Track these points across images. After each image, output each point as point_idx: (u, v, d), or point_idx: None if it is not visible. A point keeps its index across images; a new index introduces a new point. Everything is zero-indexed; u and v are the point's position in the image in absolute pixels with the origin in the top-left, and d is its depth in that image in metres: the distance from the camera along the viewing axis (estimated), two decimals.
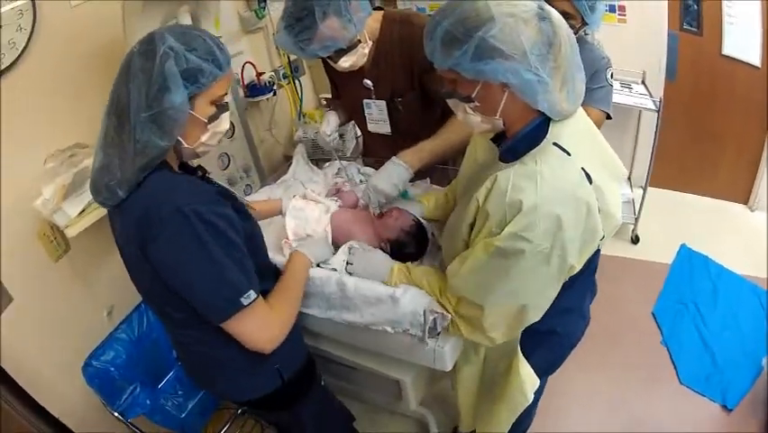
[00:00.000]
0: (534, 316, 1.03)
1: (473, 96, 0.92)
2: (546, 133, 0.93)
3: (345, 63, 1.39)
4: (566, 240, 0.90)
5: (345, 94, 1.70)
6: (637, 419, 1.96)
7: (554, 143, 0.92)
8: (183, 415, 1.64)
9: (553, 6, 0.92)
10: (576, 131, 0.96)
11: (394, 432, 1.96)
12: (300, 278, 1.20)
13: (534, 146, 0.93)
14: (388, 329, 1.20)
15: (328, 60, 1.43)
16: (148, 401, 1.57)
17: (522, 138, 0.95)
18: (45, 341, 1.52)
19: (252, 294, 0.98)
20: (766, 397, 1.98)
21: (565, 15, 0.97)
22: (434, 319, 1.14)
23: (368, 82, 1.51)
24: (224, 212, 0.97)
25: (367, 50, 1.41)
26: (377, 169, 1.57)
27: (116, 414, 1.53)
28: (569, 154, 0.92)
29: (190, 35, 0.94)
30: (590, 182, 0.92)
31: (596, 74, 1.75)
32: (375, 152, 1.75)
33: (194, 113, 0.96)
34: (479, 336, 1.09)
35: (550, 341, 1.20)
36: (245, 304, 0.96)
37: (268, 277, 1.13)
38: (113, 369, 1.54)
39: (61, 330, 1.56)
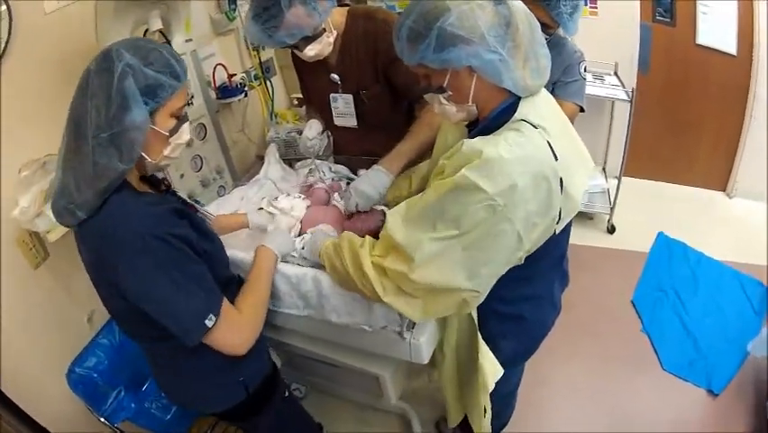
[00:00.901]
0: (465, 280, 0.96)
1: (445, 85, 0.97)
2: (515, 112, 0.97)
3: (311, 51, 1.42)
4: (518, 203, 0.90)
5: (313, 90, 1.73)
6: (622, 407, 1.98)
7: (523, 120, 0.95)
8: (168, 417, 1.65)
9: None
10: (545, 116, 0.99)
11: (378, 429, 1.97)
12: (267, 273, 1.20)
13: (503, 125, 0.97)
14: (366, 328, 1.22)
15: (294, 51, 1.47)
16: (133, 405, 1.58)
17: (492, 119, 0.99)
18: (27, 348, 1.52)
19: (213, 316, 0.98)
20: (753, 380, 2.00)
21: (543, 26, 1.00)
22: None
23: (335, 76, 1.54)
24: (180, 232, 0.97)
25: (332, 40, 1.45)
26: (348, 166, 1.60)
27: (102, 419, 1.53)
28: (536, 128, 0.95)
29: (146, 49, 0.92)
30: (556, 159, 0.94)
31: (569, 68, 1.78)
32: (343, 146, 1.78)
33: (155, 127, 0.95)
34: (401, 302, 1.05)
35: (519, 326, 1.22)
36: (209, 326, 0.97)
37: (230, 289, 1.14)
38: (96, 375, 1.55)
39: (43, 337, 1.55)
